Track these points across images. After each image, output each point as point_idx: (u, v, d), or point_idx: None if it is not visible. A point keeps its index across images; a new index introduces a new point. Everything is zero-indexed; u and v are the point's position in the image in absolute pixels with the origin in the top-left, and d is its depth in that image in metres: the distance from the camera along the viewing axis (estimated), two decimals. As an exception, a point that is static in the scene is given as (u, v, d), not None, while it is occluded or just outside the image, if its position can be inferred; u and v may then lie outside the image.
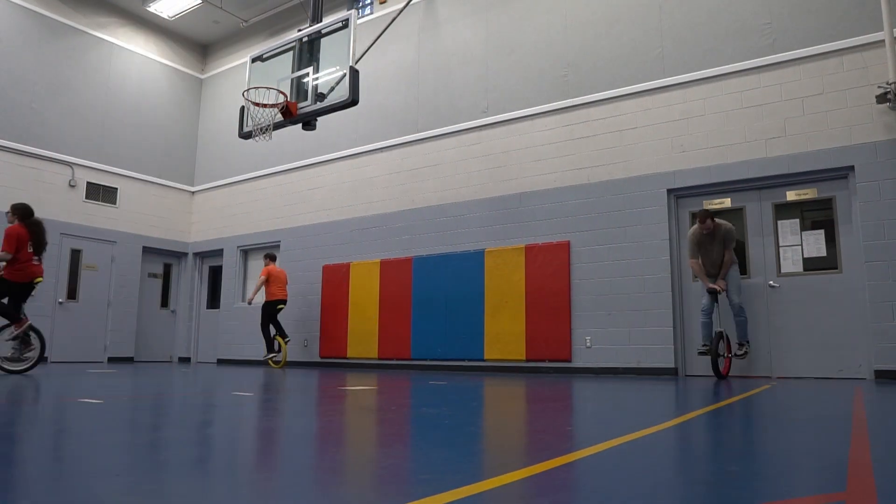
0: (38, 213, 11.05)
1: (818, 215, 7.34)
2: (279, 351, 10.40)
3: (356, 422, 2.85)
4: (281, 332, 10.43)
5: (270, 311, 10.34)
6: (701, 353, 6.84)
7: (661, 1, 8.35)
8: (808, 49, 7.30)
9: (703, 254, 6.88)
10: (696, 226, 6.98)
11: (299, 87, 7.73)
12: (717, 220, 6.86)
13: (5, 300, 6.79)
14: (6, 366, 6.76)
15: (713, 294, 6.82)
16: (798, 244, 7.34)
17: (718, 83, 7.82)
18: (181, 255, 13.67)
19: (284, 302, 10.48)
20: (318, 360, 10.84)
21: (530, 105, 9.23)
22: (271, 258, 10.73)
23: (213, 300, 13.32)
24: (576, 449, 2.08)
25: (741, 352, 6.76)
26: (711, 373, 7.59)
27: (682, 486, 1.54)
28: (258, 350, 11.76)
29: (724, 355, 6.75)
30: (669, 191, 7.98)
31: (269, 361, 10.51)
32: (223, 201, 13.17)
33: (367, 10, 11.53)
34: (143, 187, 12.82)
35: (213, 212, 13.34)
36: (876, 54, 6.93)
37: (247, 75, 8.26)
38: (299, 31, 8.00)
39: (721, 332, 6.66)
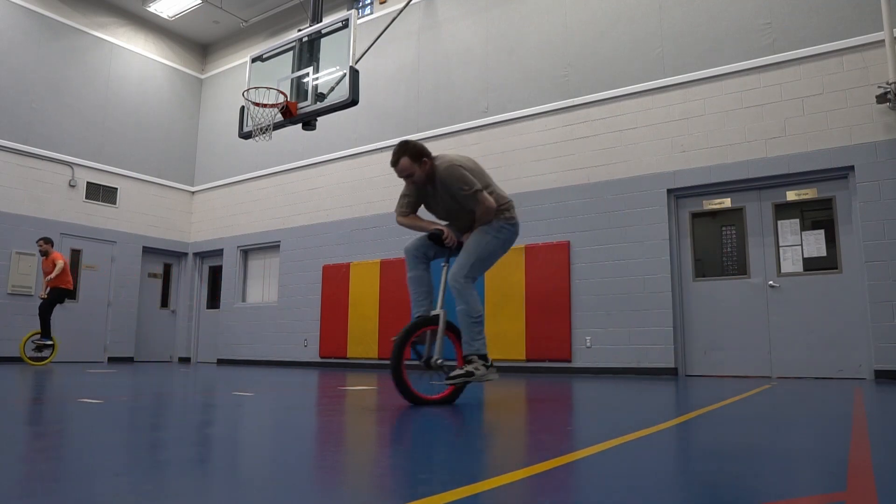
0: (37, 213, 11.15)
1: (818, 215, 7.34)
2: (52, 347, 9.75)
3: (356, 421, 2.86)
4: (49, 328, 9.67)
5: (59, 300, 9.66)
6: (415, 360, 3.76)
7: (661, 1, 8.35)
8: (808, 49, 7.30)
9: (433, 211, 4.01)
10: None
11: (299, 87, 7.73)
12: (434, 157, 3.78)
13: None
14: None
15: (435, 240, 3.86)
16: (798, 244, 7.35)
17: (718, 83, 7.82)
18: (181, 255, 13.67)
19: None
20: (318, 359, 10.84)
21: (530, 105, 9.23)
22: (52, 243, 9.86)
23: (213, 300, 13.33)
24: (576, 449, 2.08)
25: (458, 373, 3.63)
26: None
27: (682, 486, 1.54)
28: (258, 350, 11.76)
29: (438, 361, 3.66)
30: (669, 191, 7.98)
31: (31, 360, 9.70)
32: (223, 201, 13.17)
33: (367, 10, 11.53)
34: (143, 187, 12.82)
35: (213, 212, 13.34)
36: (876, 54, 6.93)
37: (247, 75, 8.26)
38: (299, 31, 7.99)
39: (435, 318, 3.69)
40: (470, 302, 3.68)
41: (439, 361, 3.65)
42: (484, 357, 3.70)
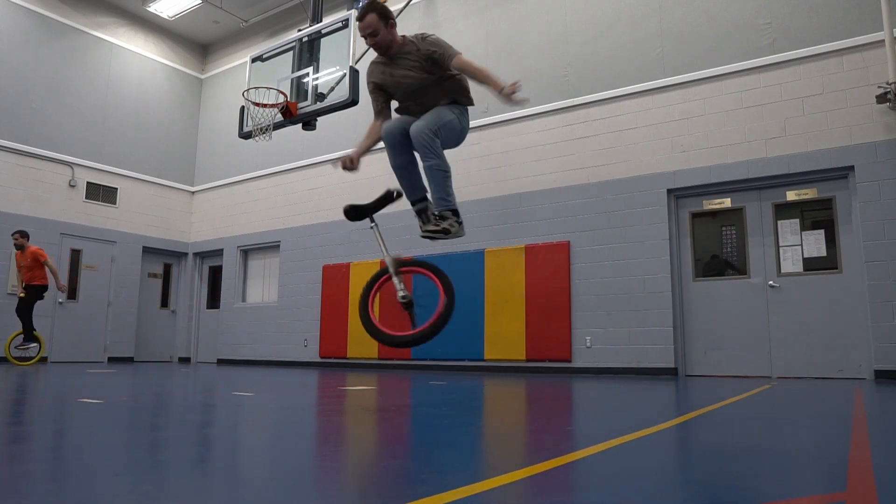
0: (37, 213, 11.15)
1: (818, 215, 7.34)
2: (39, 345, 9.28)
3: (356, 421, 2.85)
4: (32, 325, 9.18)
5: (39, 297, 9.15)
6: (435, 233, 3.72)
7: (661, 1, 8.35)
8: (808, 49, 7.30)
9: (405, 97, 3.77)
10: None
11: (299, 87, 7.73)
12: (407, 35, 3.68)
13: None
14: None
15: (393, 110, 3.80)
16: (798, 244, 7.35)
17: (718, 83, 7.82)
18: (181, 255, 13.67)
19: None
20: (318, 360, 10.84)
21: (530, 105, 9.22)
22: (28, 236, 9.24)
23: (213, 300, 13.33)
24: (576, 449, 2.08)
25: (434, 228, 3.68)
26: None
27: (682, 486, 1.54)
28: (258, 350, 11.76)
29: (404, 297, 3.74)
30: (669, 191, 7.98)
31: (17, 360, 9.27)
32: (223, 201, 13.17)
33: (367, 10, 11.52)
34: (143, 187, 12.82)
35: (213, 212, 13.34)
36: (876, 54, 6.93)
37: (247, 75, 8.26)
38: (299, 31, 7.99)
39: (426, 202, 3.72)
40: (441, 155, 3.60)
41: (407, 297, 3.75)
42: (457, 213, 3.71)
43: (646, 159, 8.16)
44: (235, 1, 12.43)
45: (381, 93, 3.79)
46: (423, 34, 3.66)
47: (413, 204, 3.82)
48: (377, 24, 3.54)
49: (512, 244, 9.01)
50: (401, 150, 3.73)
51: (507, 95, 3.38)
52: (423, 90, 3.67)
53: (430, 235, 3.64)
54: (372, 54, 3.79)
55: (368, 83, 3.78)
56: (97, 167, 12.03)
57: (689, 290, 7.88)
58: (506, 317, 8.81)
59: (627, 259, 8.06)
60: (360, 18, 3.57)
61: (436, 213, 3.70)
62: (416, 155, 3.67)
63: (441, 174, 3.61)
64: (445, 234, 3.62)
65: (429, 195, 3.74)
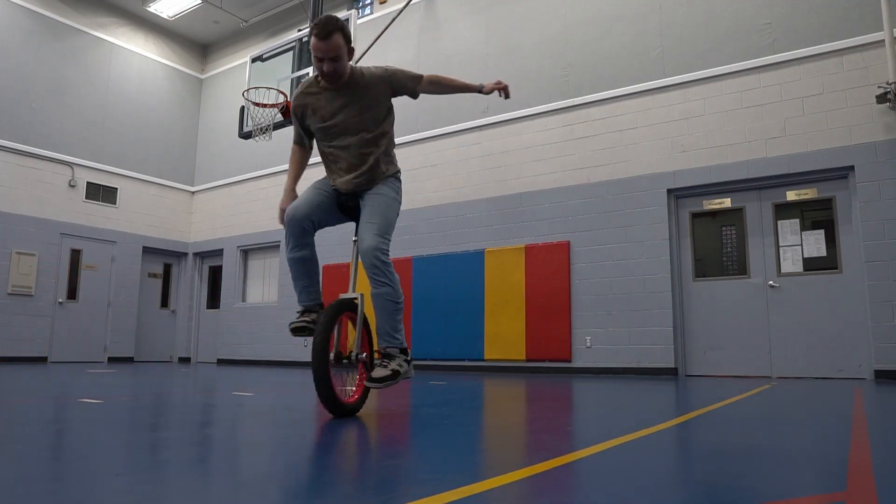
0: (37, 213, 11.15)
1: (818, 215, 7.34)
2: None
3: (356, 421, 2.85)
4: None
5: None
6: (297, 330, 3.13)
7: (661, 1, 8.35)
8: (808, 49, 7.31)
9: (328, 135, 3.12)
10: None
11: (299, 87, 7.74)
12: (362, 67, 3.08)
13: None
14: None
15: (328, 197, 3.14)
16: (798, 244, 7.35)
17: (718, 83, 7.82)
18: (181, 255, 13.67)
19: None
20: (318, 360, 10.83)
21: (530, 105, 9.22)
22: None
23: (213, 300, 13.33)
24: (576, 449, 2.08)
25: (384, 374, 2.89)
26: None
27: (682, 486, 1.54)
28: (258, 350, 11.76)
29: (360, 356, 3.04)
30: (669, 191, 7.98)
31: None
32: (223, 201, 13.17)
33: (367, 10, 11.53)
34: (143, 187, 12.82)
35: (213, 212, 13.35)
36: (876, 54, 6.93)
37: (247, 75, 8.27)
38: (299, 31, 8.00)
39: (352, 303, 3.07)
40: (394, 282, 2.96)
41: (363, 356, 3.03)
42: (405, 351, 3.02)
43: (646, 159, 8.17)
44: (235, 1, 12.43)
45: (311, 115, 3.12)
46: (376, 66, 3.14)
47: (303, 313, 3.14)
48: (342, 47, 2.89)
49: (512, 244, 9.01)
50: (304, 241, 3.11)
51: (490, 90, 3.14)
52: (355, 135, 3.04)
53: (378, 384, 2.87)
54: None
55: (296, 107, 3.15)
56: (97, 167, 12.03)
57: (689, 290, 7.88)
58: (506, 317, 8.81)
59: (627, 259, 8.06)
60: (323, 36, 2.84)
61: (380, 350, 2.97)
62: (370, 278, 2.95)
63: (392, 305, 2.95)
64: (394, 378, 2.90)
65: (342, 297, 3.07)
